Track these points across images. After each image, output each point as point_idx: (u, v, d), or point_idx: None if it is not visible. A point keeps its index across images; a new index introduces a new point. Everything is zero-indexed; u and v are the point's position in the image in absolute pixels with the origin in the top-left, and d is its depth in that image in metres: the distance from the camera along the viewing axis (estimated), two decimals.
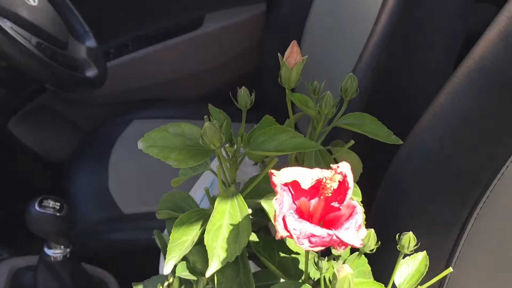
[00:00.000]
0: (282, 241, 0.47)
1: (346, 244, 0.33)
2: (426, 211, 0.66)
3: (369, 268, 0.46)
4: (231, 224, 0.42)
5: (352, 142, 0.49)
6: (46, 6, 1.06)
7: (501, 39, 0.61)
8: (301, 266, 0.46)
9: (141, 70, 1.50)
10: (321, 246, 0.33)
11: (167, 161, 0.42)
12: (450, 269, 0.49)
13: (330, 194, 0.34)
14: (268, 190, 0.46)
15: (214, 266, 0.41)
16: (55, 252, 0.85)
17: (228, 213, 0.42)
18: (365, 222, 0.40)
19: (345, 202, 0.35)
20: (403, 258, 0.51)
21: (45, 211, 0.80)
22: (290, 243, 0.44)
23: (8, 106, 1.39)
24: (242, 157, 0.44)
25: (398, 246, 0.46)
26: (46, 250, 0.85)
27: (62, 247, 0.85)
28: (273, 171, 0.34)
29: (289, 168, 0.35)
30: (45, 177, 1.46)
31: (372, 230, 0.40)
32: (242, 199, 0.43)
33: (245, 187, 0.46)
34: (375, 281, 0.41)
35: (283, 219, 0.33)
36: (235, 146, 0.43)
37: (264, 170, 0.45)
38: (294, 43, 0.44)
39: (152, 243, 0.61)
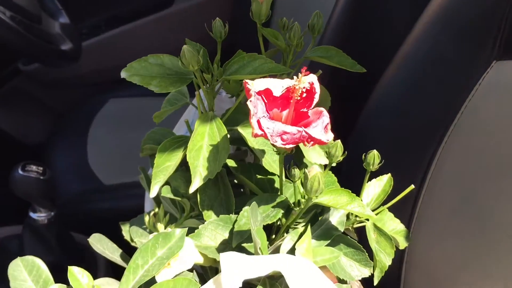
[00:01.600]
0: (259, 165, 0.50)
1: (314, 139, 0.37)
2: (393, 158, 0.70)
3: (335, 179, 0.50)
4: (210, 145, 0.46)
5: (320, 71, 0.52)
6: None
7: None
8: (277, 185, 0.50)
9: (115, 49, 1.52)
10: (292, 143, 0.37)
11: (149, 87, 0.45)
12: (412, 186, 0.54)
13: (299, 98, 0.38)
14: (245, 119, 0.50)
15: (196, 182, 0.45)
16: (39, 216, 0.87)
17: (208, 135, 0.46)
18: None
19: (312, 106, 0.39)
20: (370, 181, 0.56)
21: (29, 174, 0.82)
22: (265, 164, 0.48)
23: None
24: (219, 84, 0.48)
25: (364, 164, 0.50)
26: (31, 214, 0.87)
27: (46, 210, 0.87)
28: (247, 80, 0.38)
29: (262, 78, 0.39)
30: (24, 159, 1.47)
31: (339, 140, 0.44)
32: (220, 121, 0.46)
33: (222, 116, 0.50)
34: (343, 188, 0.45)
35: (258, 121, 0.37)
36: (212, 74, 0.46)
37: (239, 98, 0.48)
38: None
39: (133, 210, 0.64)
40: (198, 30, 0.52)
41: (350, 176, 0.57)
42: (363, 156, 0.51)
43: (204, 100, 0.49)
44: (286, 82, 0.39)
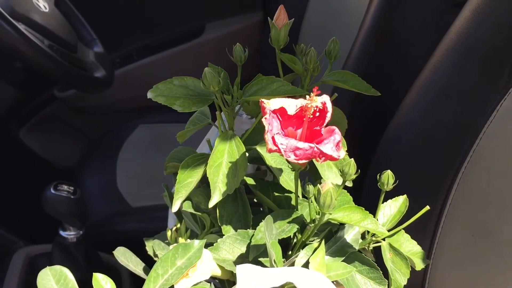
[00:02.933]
0: (276, 183, 0.52)
1: (325, 155, 0.39)
2: (413, 182, 0.71)
3: (351, 198, 0.52)
4: (229, 162, 0.48)
5: (336, 95, 0.55)
6: (56, 13, 1.14)
7: (473, 15, 0.66)
8: (293, 202, 0.51)
9: (145, 78, 1.57)
10: (305, 158, 0.39)
11: (173, 107, 0.48)
12: (427, 207, 0.55)
13: (311, 116, 0.40)
14: (263, 139, 0.52)
15: (216, 197, 0.47)
16: (69, 234, 0.90)
17: (227, 152, 0.48)
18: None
19: (325, 124, 0.41)
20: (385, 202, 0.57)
21: (60, 193, 0.86)
22: (283, 182, 0.50)
23: (19, 114, 1.46)
24: (240, 105, 0.50)
25: (378, 184, 0.52)
26: (61, 232, 0.91)
27: (76, 229, 0.91)
28: (263, 99, 0.41)
29: (277, 98, 0.42)
30: (56, 180, 1.52)
31: (352, 159, 0.45)
32: (239, 139, 0.49)
33: (242, 136, 0.52)
34: (356, 205, 0.47)
35: (272, 138, 0.40)
36: (232, 95, 0.49)
37: (258, 118, 0.51)
38: (281, 7, 0.51)
39: (157, 232, 0.66)
40: (227, 59, 0.55)
41: (371, 199, 0.58)
42: (378, 176, 0.52)
43: (225, 120, 0.52)
44: (300, 102, 0.42)
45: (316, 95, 0.40)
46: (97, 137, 1.53)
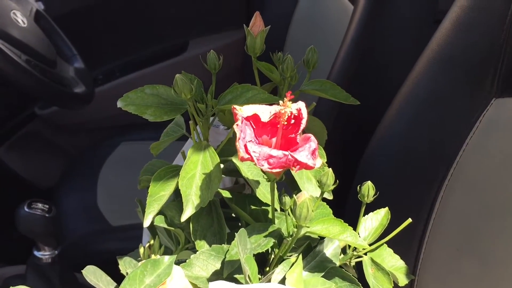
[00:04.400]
0: (253, 196, 0.50)
1: (300, 164, 0.37)
2: (396, 196, 0.69)
3: (330, 211, 0.50)
4: (203, 173, 0.46)
5: (314, 104, 0.53)
6: (35, 28, 1.12)
7: (453, 27, 0.66)
8: (270, 215, 0.49)
9: None
10: (279, 167, 0.37)
11: (144, 116, 0.46)
12: (410, 220, 0.53)
13: (286, 122, 0.38)
14: None
15: (188, 211, 0.45)
16: (44, 254, 0.87)
17: (201, 164, 0.46)
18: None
19: (300, 131, 0.39)
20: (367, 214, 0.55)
21: (34, 211, 0.83)
22: (259, 194, 0.48)
23: None
24: (214, 115, 0.48)
25: (359, 195, 0.50)
26: (36, 252, 0.87)
27: (51, 249, 0.87)
28: (235, 106, 0.39)
29: (250, 105, 0.40)
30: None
31: (330, 169, 0.44)
32: (213, 150, 0.47)
33: (217, 147, 0.50)
34: (335, 218, 0.45)
35: (245, 145, 0.38)
36: (206, 104, 0.47)
37: (232, 128, 0.49)
38: (257, 13, 0.50)
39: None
40: (210, 77, 0.54)
41: (354, 212, 0.57)
42: (358, 188, 0.50)
43: (199, 130, 0.50)
44: (274, 108, 0.40)
45: (289, 100, 0.38)
46: (79, 155, 1.50)
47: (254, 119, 0.40)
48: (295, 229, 0.45)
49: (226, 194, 0.51)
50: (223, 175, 0.50)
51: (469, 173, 0.61)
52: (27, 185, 1.48)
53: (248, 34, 0.50)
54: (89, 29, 1.51)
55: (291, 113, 0.39)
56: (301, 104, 0.40)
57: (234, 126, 0.38)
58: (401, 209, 0.64)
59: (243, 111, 0.39)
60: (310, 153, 0.38)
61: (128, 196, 1.26)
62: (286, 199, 0.43)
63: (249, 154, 0.37)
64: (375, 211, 0.55)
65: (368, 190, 0.49)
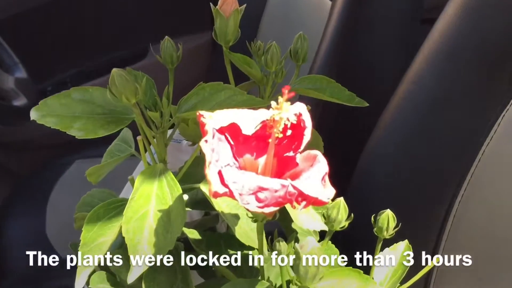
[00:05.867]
0: (231, 235, 0.37)
1: (307, 198, 0.23)
2: (403, 208, 0.59)
3: (337, 251, 0.36)
4: (159, 211, 0.32)
5: (308, 107, 0.40)
6: None
7: (458, 12, 0.56)
8: (257, 263, 0.36)
9: None
10: (274, 205, 0.24)
11: (69, 132, 0.32)
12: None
13: (280, 135, 0.25)
14: None
15: (137, 268, 0.31)
16: None
17: (155, 197, 0.32)
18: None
19: (301, 148, 0.25)
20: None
21: None
22: (240, 234, 0.34)
23: None
24: (173, 127, 0.35)
25: (375, 229, 0.37)
26: None
27: None
28: (202, 112, 0.25)
29: (225, 110, 0.26)
30: None
31: (341, 198, 0.30)
32: (173, 176, 0.33)
33: (178, 172, 0.37)
34: (350, 267, 0.32)
35: (219, 173, 0.24)
36: (161, 111, 0.33)
37: (199, 145, 0.35)
38: None
39: None
40: (177, 85, 0.45)
41: (345, 241, 0.45)
42: (372, 219, 0.37)
43: (152, 149, 0.36)
44: (261, 114, 0.26)
45: (287, 101, 0.24)
46: (26, 176, 1.36)
47: (231, 131, 0.26)
48: (294, 286, 0.32)
49: (193, 234, 0.37)
50: (188, 209, 0.36)
51: (485, 188, 0.53)
52: None
53: (217, 16, 0.36)
54: (37, 36, 1.37)
55: (288, 119, 0.25)
56: (301, 107, 0.26)
57: (201, 143, 0.24)
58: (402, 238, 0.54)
59: (215, 119, 0.25)
60: (320, 179, 0.24)
61: None
62: (282, 245, 0.29)
63: (226, 186, 0.23)
64: (391, 246, 0.42)
65: (387, 221, 0.36)
